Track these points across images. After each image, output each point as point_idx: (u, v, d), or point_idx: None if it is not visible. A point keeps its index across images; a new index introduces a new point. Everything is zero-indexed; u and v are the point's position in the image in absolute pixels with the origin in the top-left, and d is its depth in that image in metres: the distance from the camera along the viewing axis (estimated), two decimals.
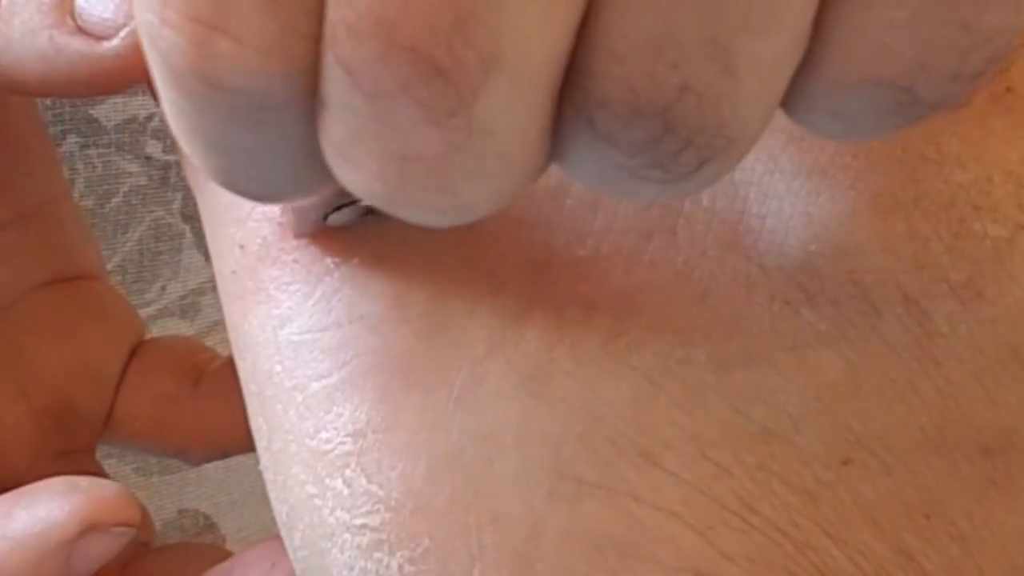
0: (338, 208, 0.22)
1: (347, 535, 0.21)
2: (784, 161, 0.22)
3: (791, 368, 0.21)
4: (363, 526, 0.21)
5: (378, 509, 0.21)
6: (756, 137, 0.17)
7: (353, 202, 0.22)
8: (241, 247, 0.23)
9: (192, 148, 0.17)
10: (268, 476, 0.23)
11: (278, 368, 0.22)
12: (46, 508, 0.24)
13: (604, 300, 0.21)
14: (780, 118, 0.22)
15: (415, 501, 0.21)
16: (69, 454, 0.29)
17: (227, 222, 0.23)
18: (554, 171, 0.23)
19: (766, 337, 0.21)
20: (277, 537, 0.24)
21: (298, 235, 0.23)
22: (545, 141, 0.16)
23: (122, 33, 0.23)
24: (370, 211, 0.22)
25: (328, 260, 0.22)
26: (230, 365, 0.28)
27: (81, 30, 0.23)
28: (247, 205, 0.23)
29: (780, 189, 0.21)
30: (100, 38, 0.23)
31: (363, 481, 0.21)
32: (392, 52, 0.14)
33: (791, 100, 0.17)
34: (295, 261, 0.23)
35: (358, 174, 0.16)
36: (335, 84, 0.15)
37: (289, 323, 0.22)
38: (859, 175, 0.21)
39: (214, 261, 0.24)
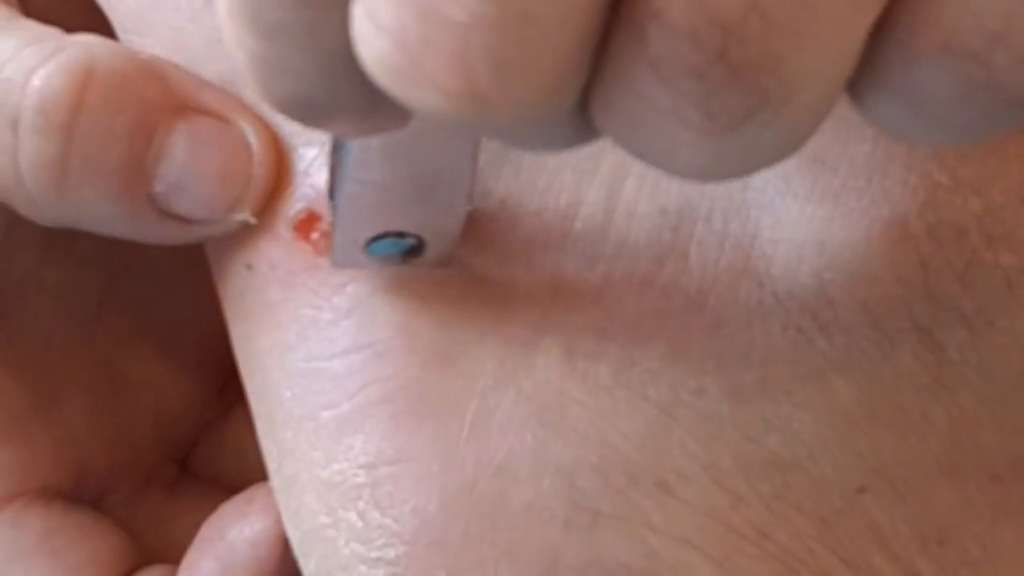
0: (379, 238, 0.21)
1: (363, 567, 0.21)
2: (797, 185, 0.21)
3: (805, 397, 0.21)
4: (378, 559, 0.21)
5: (393, 543, 0.21)
6: (810, 115, 0.15)
7: (397, 234, 0.21)
8: (249, 267, 0.23)
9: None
10: (280, 499, 0.23)
11: (287, 395, 0.22)
12: None
13: (616, 328, 0.21)
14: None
15: (430, 534, 0.21)
16: None
17: (234, 242, 0.23)
18: (564, 192, 0.23)
19: (779, 366, 0.21)
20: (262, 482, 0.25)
21: (337, 264, 0.22)
22: (584, 54, 0.14)
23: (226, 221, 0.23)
24: (413, 251, 0.22)
25: (335, 284, 0.22)
26: None
27: (166, 215, 0.23)
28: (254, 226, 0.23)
29: (793, 214, 0.21)
30: (190, 221, 0.23)
31: (376, 515, 0.21)
32: None
33: (861, 78, 0.15)
34: (303, 284, 0.22)
35: (378, 35, 0.14)
36: None
37: (296, 349, 0.22)
38: (873, 201, 0.21)
39: (218, 281, 0.24)
